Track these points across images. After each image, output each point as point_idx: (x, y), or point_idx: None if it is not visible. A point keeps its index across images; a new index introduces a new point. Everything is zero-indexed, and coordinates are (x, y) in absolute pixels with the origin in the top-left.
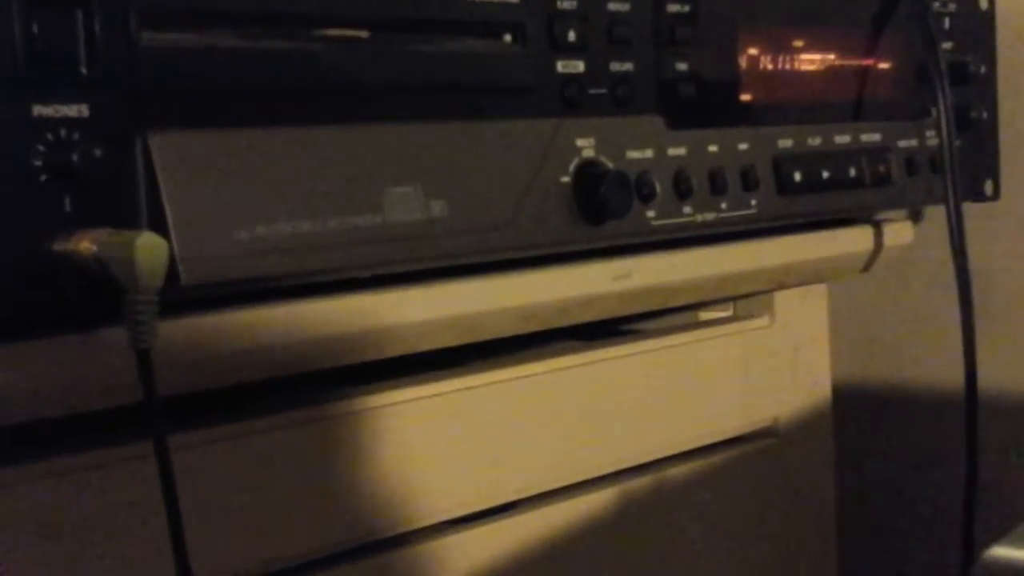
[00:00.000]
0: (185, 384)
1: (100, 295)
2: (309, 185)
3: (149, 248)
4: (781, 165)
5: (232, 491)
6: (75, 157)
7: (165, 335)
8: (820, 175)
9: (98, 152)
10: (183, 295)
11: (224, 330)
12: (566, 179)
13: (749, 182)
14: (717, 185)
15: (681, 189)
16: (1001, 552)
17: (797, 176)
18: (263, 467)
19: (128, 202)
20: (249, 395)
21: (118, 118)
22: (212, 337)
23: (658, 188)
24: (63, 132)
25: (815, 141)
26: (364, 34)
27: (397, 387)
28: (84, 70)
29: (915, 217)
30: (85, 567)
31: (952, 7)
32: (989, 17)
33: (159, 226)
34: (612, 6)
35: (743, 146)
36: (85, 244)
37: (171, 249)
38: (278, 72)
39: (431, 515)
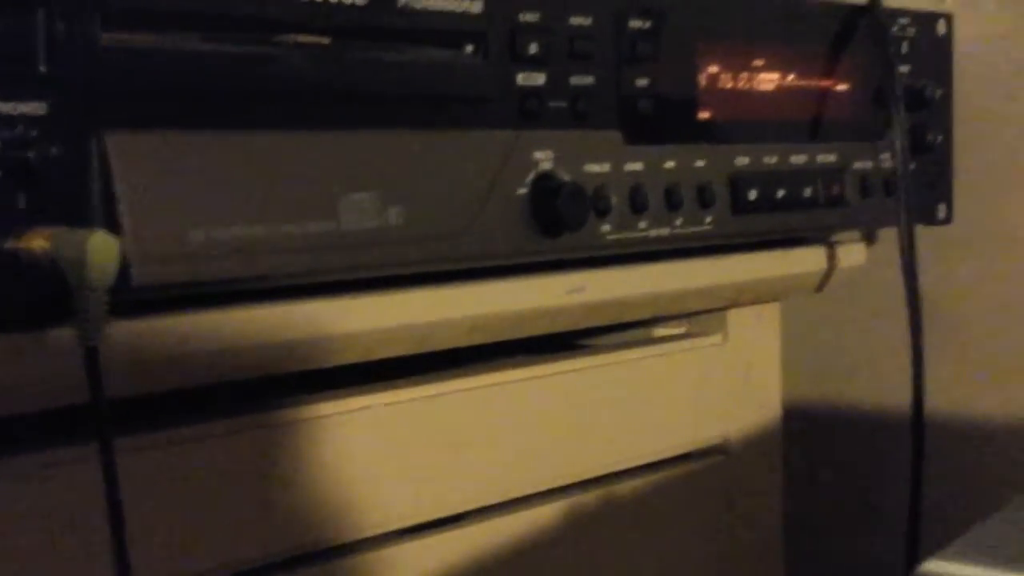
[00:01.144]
0: (134, 386)
1: (52, 293)
2: (265, 189)
3: (100, 246)
4: (737, 183)
5: (177, 496)
6: (31, 155)
7: (115, 336)
8: (775, 194)
9: (55, 150)
10: (135, 295)
11: (175, 333)
12: (523, 191)
13: (705, 199)
14: (673, 201)
15: (637, 204)
16: (933, 566)
17: (752, 194)
18: (209, 472)
19: (83, 201)
20: (196, 399)
21: (76, 117)
22: (163, 340)
23: (614, 202)
24: (20, 129)
25: (771, 160)
26: (326, 40)
27: (346, 396)
28: (43, 68)
29: (869, 238)
30: (26, 568)
31: (910, 31)
32: (947, 42)
33: (113, 226)
34: (574, 20)
35: (700, 163)
36: (38, 241)
37: (123, 249)
38: (238, 76)
39: (379, 525)
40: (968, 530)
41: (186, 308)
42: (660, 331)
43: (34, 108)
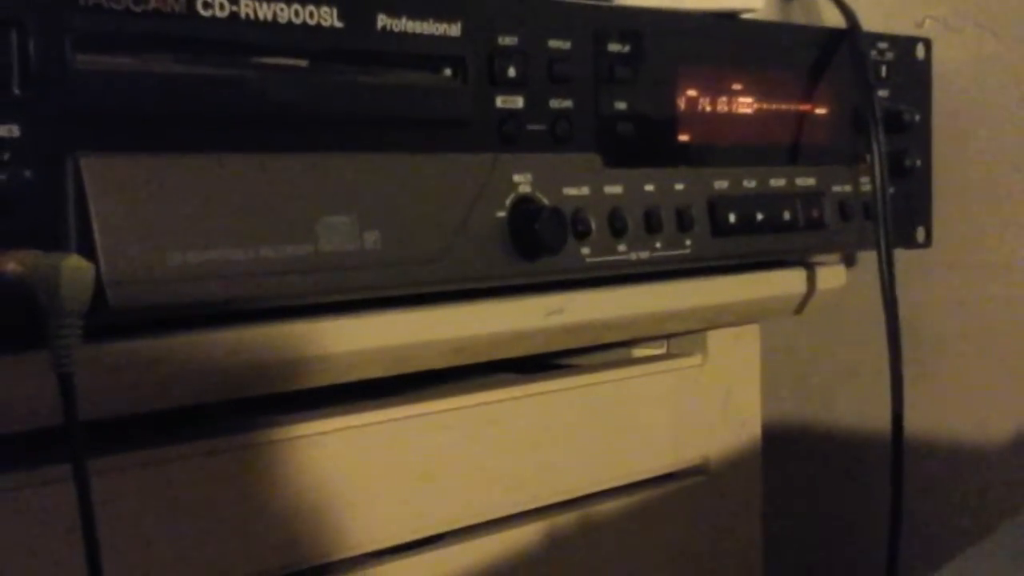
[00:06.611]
0: (109, 409)
1: (24, 317)
2: (242, 212)
3: (74, 272)
4: (716, 206)
5: (152, 518)
6: (4, 178)
7: (90, 359)
8: (754, 217)
9: (28, 174)
10: (110, 319)
11: (150, 356)
12: (502, 214)
13: (684, 222)
14: (652, 224)
15: (616, 227)
16: None
17: (732, 218)
18: (184, 495)
19: (57, 224)
20: (172, 419)
21: (50, 140)
22: (138, 362)
23: (593, 225)
24: None
25: (751, 183)
26: (303, 63)
27: (324, 416)
28: (17, 90)
29: (848, 261)
30: None
31: (889, 55)
32: (925, 66)
33: (88, 249)
34: (553, 43)
35: (679, 186)
36: (11, 266)
37: (98, 272)
38: (214, 98)
39: (356, 546)
40: (954, 559)
41: (161, 330)
42: (640, 351)
43: (7, 131)
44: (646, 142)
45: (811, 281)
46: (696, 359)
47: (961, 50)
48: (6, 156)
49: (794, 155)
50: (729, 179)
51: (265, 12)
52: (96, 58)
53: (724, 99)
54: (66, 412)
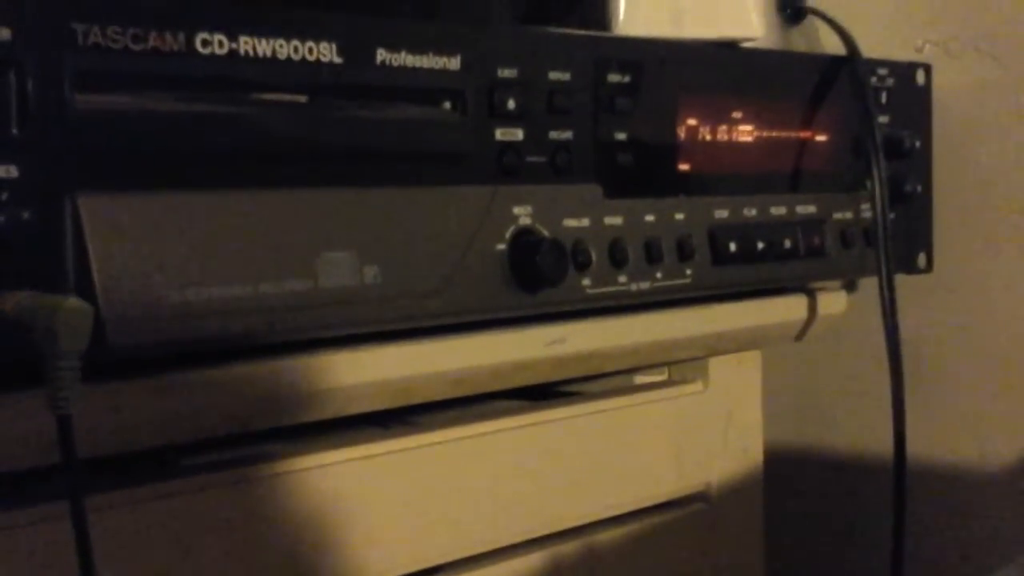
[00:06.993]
0: (108, 447)
1: (23, 357)
2: (241, 249)
3: (73, 314)
4: (717, 236)
5: (151, 556)
6: (2, 218)
7: (91, 398)
8: (755, 246)
9: (26, 215)
10: (110, 358)
11: (151, 394)
12: (502, 246)
13: (684, 252)
14: (653, 255)
15: (617, 258)
16: None
17: (732, 247)
18: (184, 530)
19: (56, 264)
20: (173, 452)
21: (48, 180)
22: (138, 401)
23: (594, 257)
24: None
25: (751, 212)
26: (302, 99)
27: (325, 448)
28: (15, 130)
29: (849, 286)
30: None
31: (889, 81)
32: (925, 92)
33: (86, 288)
34: (552, 75)
35: (679, 216)
36: (9, 307)
37: (97, 312)
38: (214, 136)
39: None
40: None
41: (161, 368)
42: (641, 378)
43: (5, 171)
44: (646, 172)
45: (812, 307)
46: (697, 386)
47: (961, 75)
48: (4, 196)
49: (795, 183)
50: (729, 208)
51: (264, 49)
52: (95, 97)
53: (724, 128)
54: (64, 454)
